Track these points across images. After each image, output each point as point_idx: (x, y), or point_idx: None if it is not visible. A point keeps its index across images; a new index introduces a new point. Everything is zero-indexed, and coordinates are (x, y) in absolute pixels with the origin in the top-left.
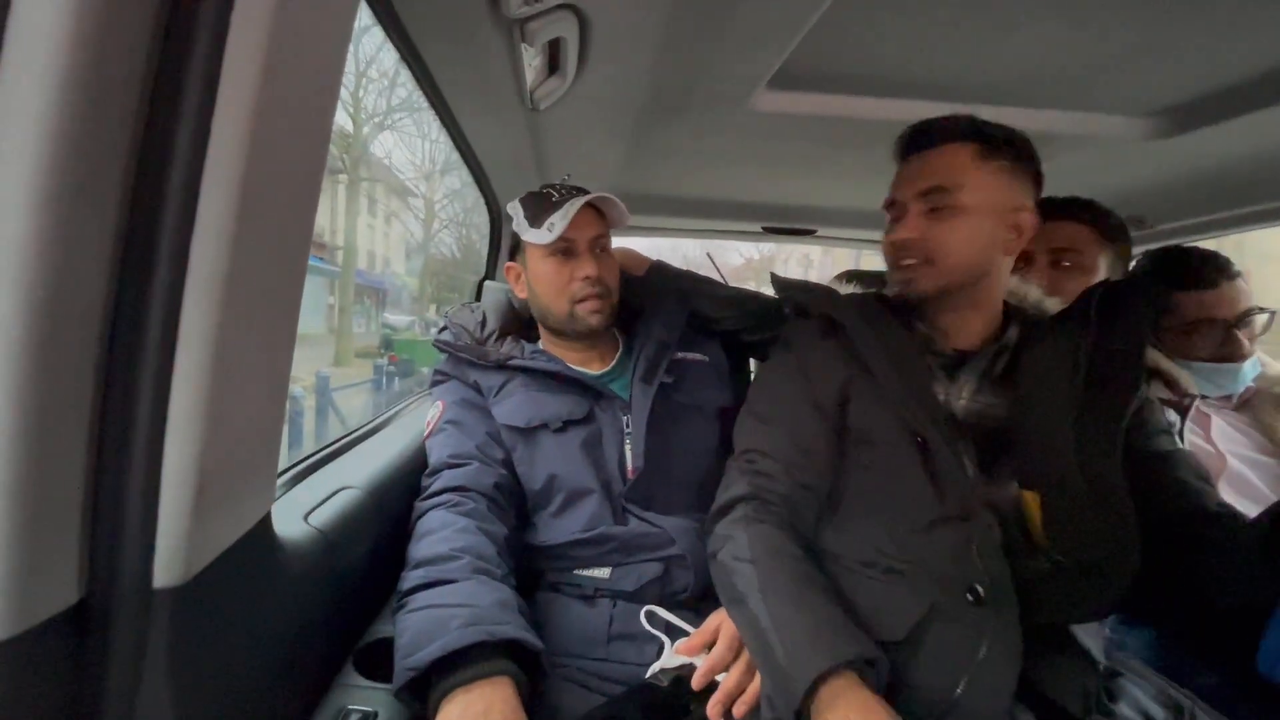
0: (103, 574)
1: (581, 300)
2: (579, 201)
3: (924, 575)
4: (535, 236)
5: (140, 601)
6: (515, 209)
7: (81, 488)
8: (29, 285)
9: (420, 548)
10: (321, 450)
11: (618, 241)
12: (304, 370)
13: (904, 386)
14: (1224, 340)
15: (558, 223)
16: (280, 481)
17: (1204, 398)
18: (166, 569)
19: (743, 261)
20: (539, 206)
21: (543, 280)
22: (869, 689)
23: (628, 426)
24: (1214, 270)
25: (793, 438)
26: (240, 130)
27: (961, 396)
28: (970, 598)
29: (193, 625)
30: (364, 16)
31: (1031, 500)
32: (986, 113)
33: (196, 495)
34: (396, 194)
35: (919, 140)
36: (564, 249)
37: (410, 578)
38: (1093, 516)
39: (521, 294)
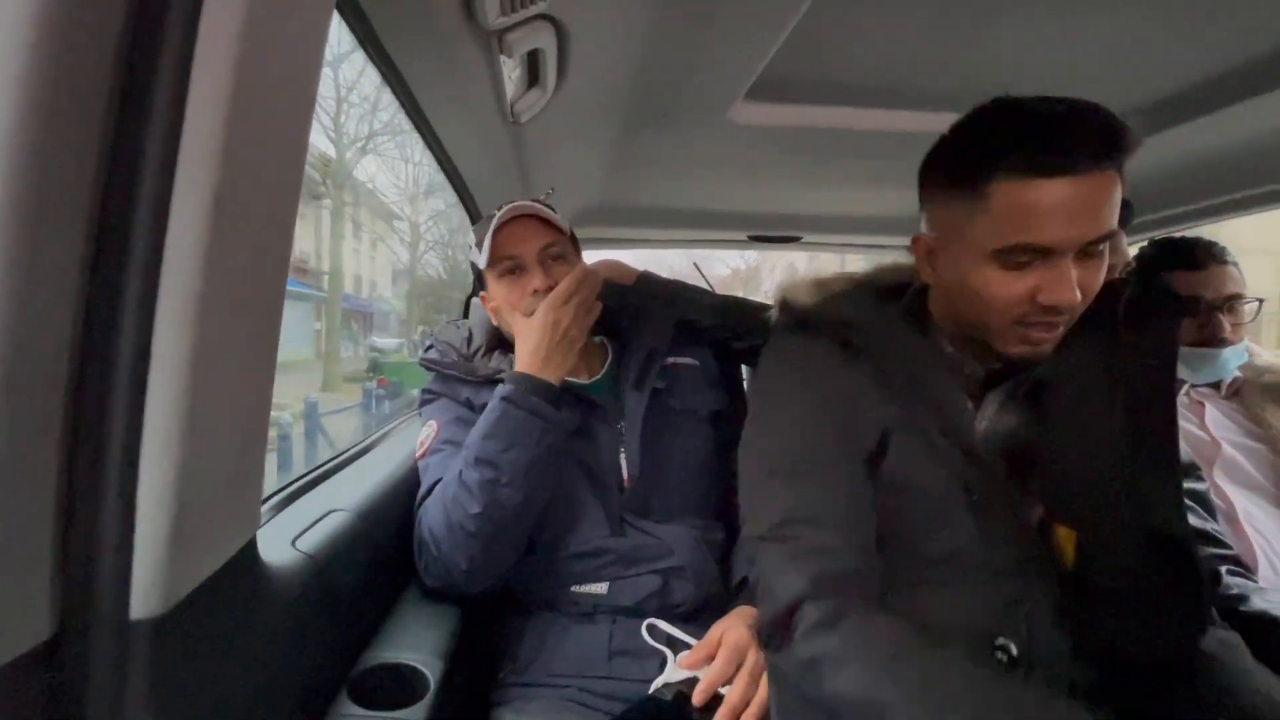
0: (77, 606)
1: (531, 314)
2: (499, 218)
3: (944, 629)
4: (479, 260)
5: (117, 634)
6: (471, 236)
7: (52, 515)
8: None
9: None
10: (308, 474)
11: (603, 254)
12: (292, 397)
13: (950, 425)
14: (1205, 323)
15: (486, 241)
16: (266, 507)
17: (1194, 386)
18: (145, 599)
19: (729, 272)
20: (483, 230)
21: (500, 303)
22: None
23: (621, 435)
24: (1203, 253)
25: (840, 491)
26: (214, 134)
27: (984, 418)
28: (1002, 657)
29: (175, 658)
30: (343, 39)
31: (1065, 537)
32: None
33: (175, 521)
34: (381, 218)
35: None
36: (511, 267)
37: None
38: (1146, 567)
39: (495, 321)
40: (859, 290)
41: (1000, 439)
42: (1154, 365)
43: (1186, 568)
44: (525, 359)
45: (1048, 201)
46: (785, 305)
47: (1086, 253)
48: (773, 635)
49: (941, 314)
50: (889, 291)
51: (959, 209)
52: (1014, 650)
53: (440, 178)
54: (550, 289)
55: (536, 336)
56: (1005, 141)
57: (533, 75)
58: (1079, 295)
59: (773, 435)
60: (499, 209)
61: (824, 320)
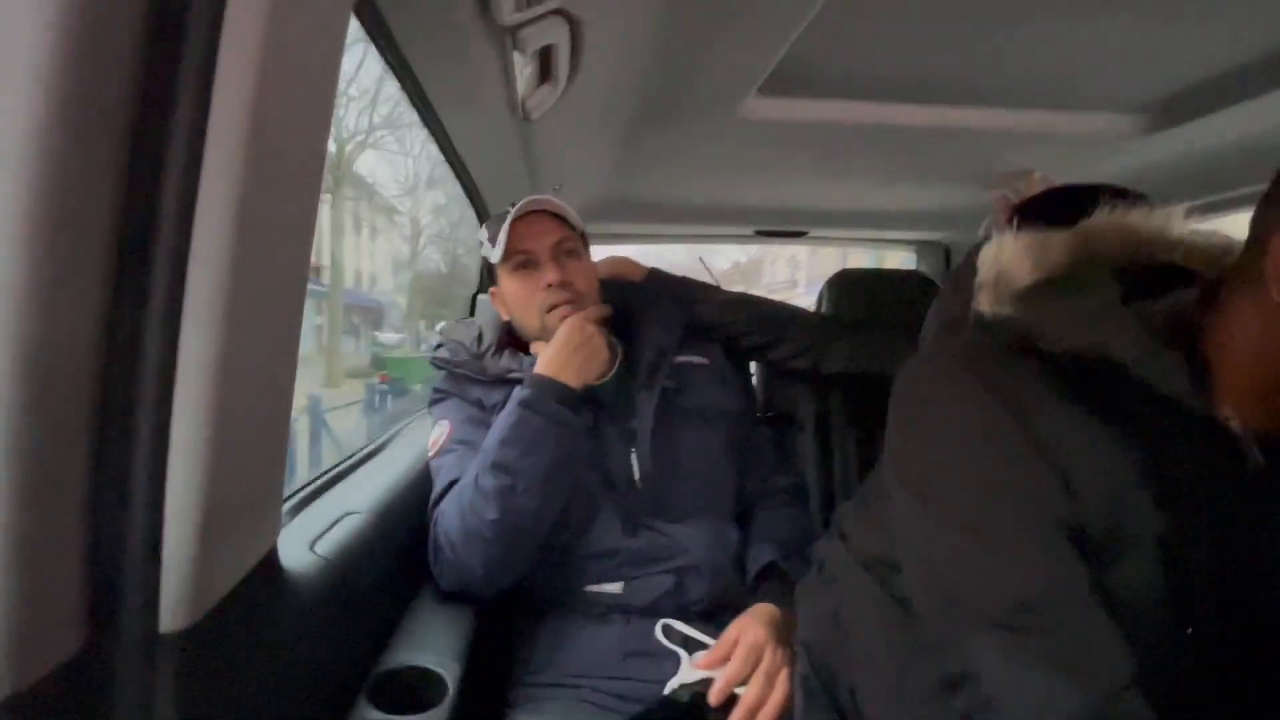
0: (105, 621)
1: (550, 310)
2: (515, 212)
3: None
4: (491, 255)
5: (146, 649)
6: (482, 232)
7: (80, 528)
8: (17, 320)
9: None
10: (322, 475)
11: (608, 250)
12: (295, 392)
13: (1224, 547)
14: None
15: (500, 236)
16: (283, 510)
17: None
18: (173, 612)
19: (730, 266)
20: (495, 226)
21: (512, 298)
22: None
23: (632, 435)
24: None
25: (1081, 569)
26: (237, 137)
27: None
28: None
29: (202, 670)
30: (353, 33)
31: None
32: (978, 115)
33: (202, 531)
34: (382, 211)
35: None
36: (524, 262)
37: None
38: None
39: (505, 317)
40: (1105, 286)
41: None
42: None
43: None
44: (546, 360)
45: None
46: (995, 292)
47: None
48: None
49: (1246, 355)
50: (1137, 284)
51: None
52: None
53: (441, 171)
54: (563, 284)
55: (562, 338)
56: None
57: (544, 71)
58: None
59: (968, 482)
60: (513, 205)
61: (1061, 346)
